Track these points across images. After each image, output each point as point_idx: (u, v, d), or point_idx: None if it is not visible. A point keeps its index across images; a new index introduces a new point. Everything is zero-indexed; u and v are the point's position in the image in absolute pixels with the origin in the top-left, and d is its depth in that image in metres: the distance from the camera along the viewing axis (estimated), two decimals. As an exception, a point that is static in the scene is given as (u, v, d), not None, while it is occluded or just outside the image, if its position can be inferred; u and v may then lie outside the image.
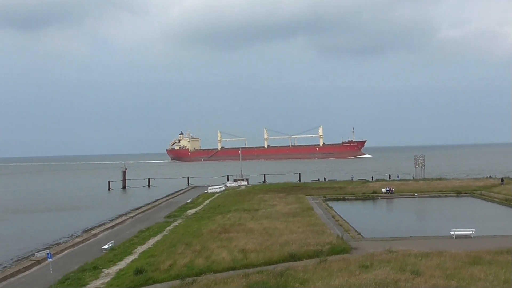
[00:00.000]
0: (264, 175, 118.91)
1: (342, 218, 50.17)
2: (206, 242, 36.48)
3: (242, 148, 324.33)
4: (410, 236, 38.51)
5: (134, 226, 52.68)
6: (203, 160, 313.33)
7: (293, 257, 30.42)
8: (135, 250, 37.99)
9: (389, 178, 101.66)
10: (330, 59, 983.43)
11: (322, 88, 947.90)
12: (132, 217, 61.64)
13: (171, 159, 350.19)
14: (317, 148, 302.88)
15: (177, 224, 51.16)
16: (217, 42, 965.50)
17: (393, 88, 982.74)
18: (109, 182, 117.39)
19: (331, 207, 59.24)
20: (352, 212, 57.99)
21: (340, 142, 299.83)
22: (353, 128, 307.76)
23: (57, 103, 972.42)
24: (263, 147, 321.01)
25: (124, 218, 60.86)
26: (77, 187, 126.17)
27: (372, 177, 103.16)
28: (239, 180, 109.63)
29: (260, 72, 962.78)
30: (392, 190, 74.00)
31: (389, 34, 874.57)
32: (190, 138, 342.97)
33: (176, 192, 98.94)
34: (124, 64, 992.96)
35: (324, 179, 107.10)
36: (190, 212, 62.26)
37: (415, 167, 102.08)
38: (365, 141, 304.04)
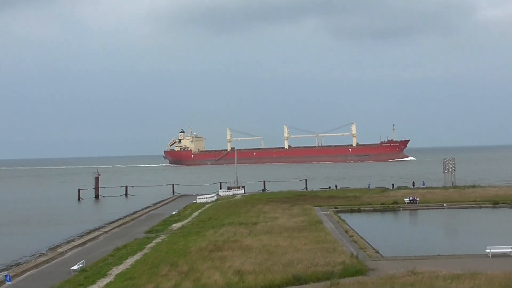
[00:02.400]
0: (264, 182, 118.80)
1: (357, 233, 50.17)
2: (195, 262, 36.41)
3: (257, 149, 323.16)
4: (438, 255, 38.54)
5: (109, 243, 52.50)
6: (210, 164, 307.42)
7: (298, 280, 30.37)
8: (110, 271, 37.89)
9: (413, 185, 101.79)
10: (346, 43, 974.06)
11: (343, 78, 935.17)
12: (106, 232, 61.50)
13: (170, 162, 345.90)
14: (350, 149, 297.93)
15: (160, 240, 51.03)
16: (213, 24, 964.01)
17: (428, 78, 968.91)
18: (79, 190, 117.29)
19: (343, 220, 59.24)
20: (369, 226, 57.96)
21: (378, 142, 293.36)
22: (393, 125, 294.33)
23: (25, 95, 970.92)
24: (283, 148, 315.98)
25: (96, 233, 60.72)
26: (41, 197, 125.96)
27: (393, 185, 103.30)
28: (234, 188, 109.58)
29: (264, 59, 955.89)
30: (416, 200, 74.05)
31: (419, 13, 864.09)
32: (193, 137, 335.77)
33: (159, 202, 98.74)
34: (106, 50, 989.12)
35: (336, 186, 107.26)
36: (176, 226, 62.12)
37: (444, 172, 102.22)
38: (409, 140, 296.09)
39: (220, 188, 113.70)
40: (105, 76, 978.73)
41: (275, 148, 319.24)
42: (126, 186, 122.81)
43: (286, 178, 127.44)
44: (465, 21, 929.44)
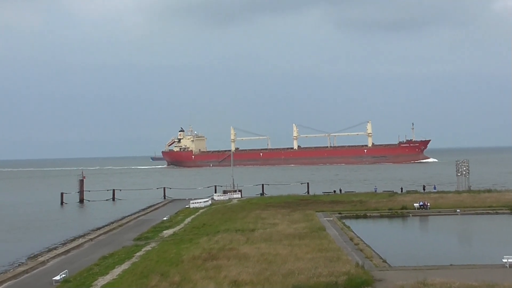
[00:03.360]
0: (263, 185, 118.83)
1: (363, 241, 50.19)
2: (188, 272, 36.38)
3: (263, 149, 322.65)
4: (451, 265, 38.52)
5: (95, 251, 52.46)
6: (212, 165, 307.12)
7: (299, 292, 30.35)
8: (96, 282, 37.82)
9: (424, 189, 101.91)
10: (354, 36, 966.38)
11: (353, 73, 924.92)
12: (91, 239, 61.43)
13: (168, 164, 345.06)
14: (365, 150, 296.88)
15: (150, 248, 50.99)
16: (209, 14, 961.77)
17: (448, 72, 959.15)
18: (62, 194, 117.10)
19: (348, 227, 59.26)
20: (375, 234, 57.96)
21: (396, 142, 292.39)
22: (412, 124, 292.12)
23: (2, 90, 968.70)
24: (292, 148, 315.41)
25: (81, 240, 60.61)
26: (21, 201, 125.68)
27: (402, 189, 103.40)
28: (229, 191, 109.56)
29: (266, 52, 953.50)
30: (427, 205, 74.08)
31: (432, 3, 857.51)
32: (194, 136, 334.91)
33: (149, 207, 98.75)
34: (92, 42, 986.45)
35: (340, 190, 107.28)
36: (167, 233, 62.10)
37: (457, 175, 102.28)
38: (429, 140, 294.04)
39: (215, 192, 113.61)
40: (92, 70, 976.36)
41: (283, 148, 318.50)
42: (114, 190, 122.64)
43: (292, 181, 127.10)
44: (483, 12, 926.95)
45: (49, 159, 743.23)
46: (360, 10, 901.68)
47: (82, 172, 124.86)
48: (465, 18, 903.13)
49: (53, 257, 50.31)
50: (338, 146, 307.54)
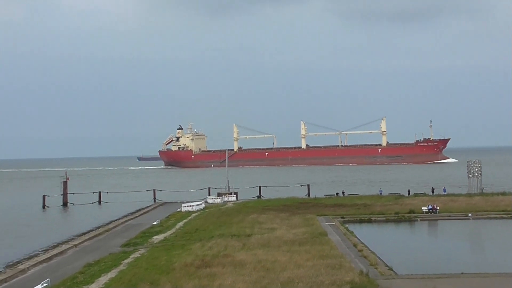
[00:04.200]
0: (260, 187, 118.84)
1: (367, 247, 50.27)
2: (179, 281, 36.33)
3: (269, 149, 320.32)
4: (462, 273, 38.51)
5: (79, 259, 52.32)
6: (213, 166, 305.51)
7: (299, 302, 30.33)
8: (80, 291, 37.78)
9: (432, 192, 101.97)
10: (360, 28, 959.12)
11: (363, 66, 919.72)
12: (76, 245, 61.31)
13: (166, 164, 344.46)
14: (379, 150, 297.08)
15: (138, 255, 50.93)
16: (206, 4, 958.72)
17: (466, 67, 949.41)
18: (44, 197, 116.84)
19: (351, 232, 59.33)
20: (381, 239, 58.06)
21: (413, 141, 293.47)
22: (430, 122, 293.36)
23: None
24: (300, 147, 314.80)
25: (64, 247, 60.50)
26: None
27: (409, 191, 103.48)
28: (224, 194, 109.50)
29: (266, 45, 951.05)
30: (436, 209, 74.16)
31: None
32: (193, 134, 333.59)
33: (138, 210, 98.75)
34: (81, 32, 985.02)
35: (343, 193, 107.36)
36: (157, 238, 62.06)
37: (469, 177, 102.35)
38: (449, 139, 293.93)
39: (209, 195, 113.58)
40: (78, 63, 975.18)
41: (291, 148, 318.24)
42: (100, 192, 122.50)
43: (293, 183, 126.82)
44: (500, 2, 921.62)
45: (29, 160, 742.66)
46: (364, 1, 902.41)
47: (66, 173, 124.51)
48: (480, 9, 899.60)
49: (34, 265, 50.15)
50: (350, 145, 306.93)
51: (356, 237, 55.90)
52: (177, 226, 71.32)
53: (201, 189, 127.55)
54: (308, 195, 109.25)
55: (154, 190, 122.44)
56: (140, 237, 64.42)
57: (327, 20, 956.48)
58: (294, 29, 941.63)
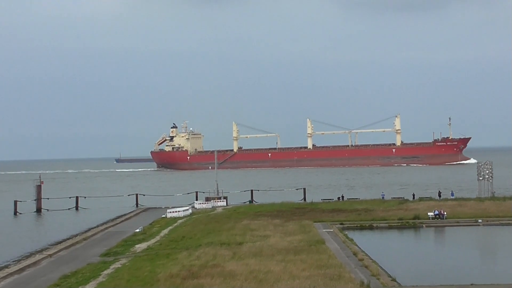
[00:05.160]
0: (252, 191, 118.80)
1: (368, 256, 50.28)
2: (164, 293, 36.23)
3: (272, 149, 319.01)
4: (472, 284, 38.62)
5: (54, 270, 52.08)
6: (211, 168, 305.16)
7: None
8: (55, 305, 37.65)
9: (439, 196, 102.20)
10: (363, 18, 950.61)
11: (371, 59, 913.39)
12: (50, 255, 60.99)
13: (158, 166, 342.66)
14: (393, 150, 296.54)
15: (119, 265, 50.81)
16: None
17: (483, 59, 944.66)
18: (15, 202, 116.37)
19: (351, 240, 59.35)
20: (383, 247, 58.16)
21: (431, 141, 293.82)
22: (449, 119, 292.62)
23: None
24: (306, 148, 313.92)
25: (38, 257, 60.19)
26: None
27: (414, 195, 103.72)
28: (213, 198, 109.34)
29: (263, 37, 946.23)
30: (443, 215, 74.33)
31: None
32: (189, 133, 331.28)
33: (119, 217, 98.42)
34: (60, 21, 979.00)
35: (342, 197, 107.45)
36: (140, 247, 61.95)
37: (479, 179, 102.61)
38: (469, 138, 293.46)
39: (197, 199, 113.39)
40: (54, 55, 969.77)
41: (296, 148, 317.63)
42: (77, 197, 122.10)
43: (288, 187, 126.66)
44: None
45: (10, 161, 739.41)
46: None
47: (40, 177, 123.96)
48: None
49: (4, 277, 49.83)
50: (361, 145, 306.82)
51: (357, 245, 55.90)
52: (162, 234, 71.18)
53: (188, 193, 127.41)
54: (304, 200, 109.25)
55: (137, 195, 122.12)
56: (121, 245, 64.26)
57: (326, 10, 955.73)
58: (291, 20, 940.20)
